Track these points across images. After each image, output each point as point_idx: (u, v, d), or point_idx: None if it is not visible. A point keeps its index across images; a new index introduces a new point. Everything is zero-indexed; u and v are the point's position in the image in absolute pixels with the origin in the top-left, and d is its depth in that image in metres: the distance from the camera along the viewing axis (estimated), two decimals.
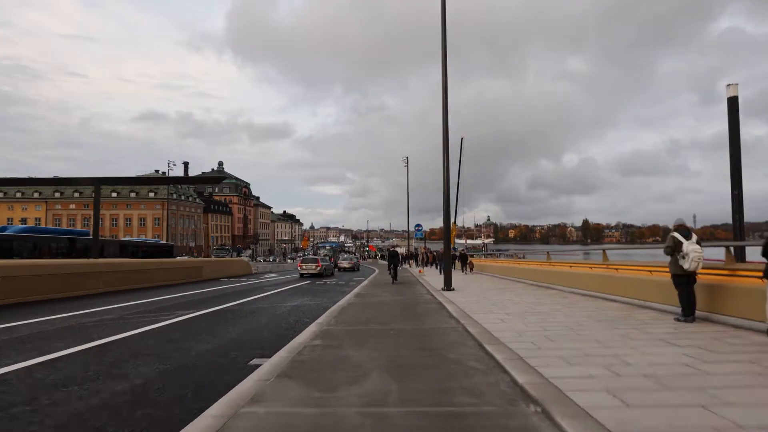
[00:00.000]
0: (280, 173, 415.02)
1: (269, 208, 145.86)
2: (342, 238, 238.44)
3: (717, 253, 7.73)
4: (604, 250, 10.16)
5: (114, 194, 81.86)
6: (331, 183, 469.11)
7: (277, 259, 63.33)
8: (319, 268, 25.24)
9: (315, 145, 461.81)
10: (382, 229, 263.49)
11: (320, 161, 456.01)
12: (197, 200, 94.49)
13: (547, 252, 14.81)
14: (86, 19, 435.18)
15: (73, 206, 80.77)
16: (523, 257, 27.05)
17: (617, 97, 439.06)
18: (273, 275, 26.68)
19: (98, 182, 19.29)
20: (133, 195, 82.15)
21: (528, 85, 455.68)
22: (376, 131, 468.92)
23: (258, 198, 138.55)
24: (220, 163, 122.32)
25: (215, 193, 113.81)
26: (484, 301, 9.51)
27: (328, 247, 47.46)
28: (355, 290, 14.58)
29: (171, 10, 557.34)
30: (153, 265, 16.65)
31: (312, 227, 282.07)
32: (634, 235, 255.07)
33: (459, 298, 10.18)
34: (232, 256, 51.66)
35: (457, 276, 19.97)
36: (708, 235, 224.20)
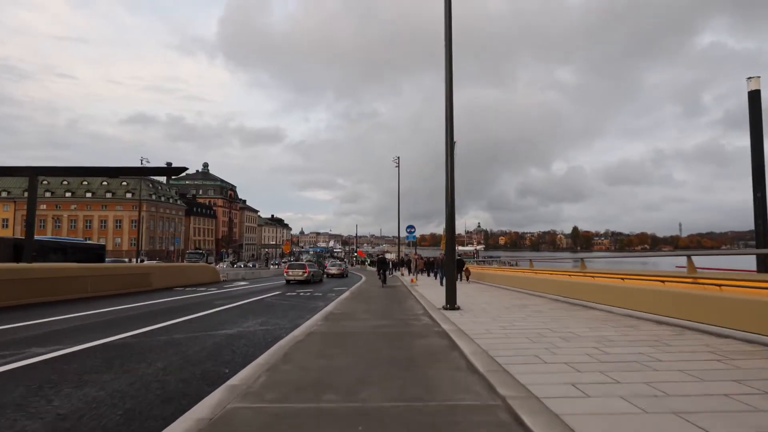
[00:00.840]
0: (271, 178, 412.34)
1: (256, 211, 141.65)
2: (332, 243, 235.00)
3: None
4: (689, 256, 7.00)
5: (89, 194, 77.45)
6: (321, 188, 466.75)
7: (257, 265, 59.28)
8: (306, 275, 23.69)
9: (306, 151, 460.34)
10: (372, 235, 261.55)
11: (311, 166, 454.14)
12: (178, 202, 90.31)
13: (581, 259, 11.69)
14: (77, 20, 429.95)
15: (44, 206, 75.94)
16: (516, 264, 24.10)
17: (605, 108, 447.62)
18: (243, 284, 23.24)
19: (33, 172, 15.80)
20: (108, 195, 77.77)
21: (518, 94, 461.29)
22: (367, 137, 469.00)
23: (245, 201, 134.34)
24: (205, 165, 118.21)
25: (199, 195, 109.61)
26: (514, 331, 6.31)
27: (312, 252, 43.43)
28: (330, 306, 11.35)
29: (163, 13, 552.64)
30: (73, 271, 13.14)
31: (302, 232, 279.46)
32: (623, 242, 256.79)
33: (472, 326, 6.97)
34: (208, 262, 47.83)
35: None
36: (695, 244, 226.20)
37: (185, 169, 18.03)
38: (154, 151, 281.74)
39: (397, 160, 49.92)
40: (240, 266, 49.80)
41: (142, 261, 41.18)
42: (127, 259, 46.11)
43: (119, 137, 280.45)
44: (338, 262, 37.89)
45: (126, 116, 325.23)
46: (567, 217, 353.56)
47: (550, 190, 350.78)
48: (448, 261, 9.65)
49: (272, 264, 56.71)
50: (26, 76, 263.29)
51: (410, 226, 19.35)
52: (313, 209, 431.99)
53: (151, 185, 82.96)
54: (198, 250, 56.78)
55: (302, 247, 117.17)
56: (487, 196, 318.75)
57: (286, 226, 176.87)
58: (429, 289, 16.55)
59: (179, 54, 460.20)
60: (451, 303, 9.17)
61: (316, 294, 16.71)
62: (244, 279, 27.94)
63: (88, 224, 77.09)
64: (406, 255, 51.24)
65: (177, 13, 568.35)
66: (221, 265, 53.82)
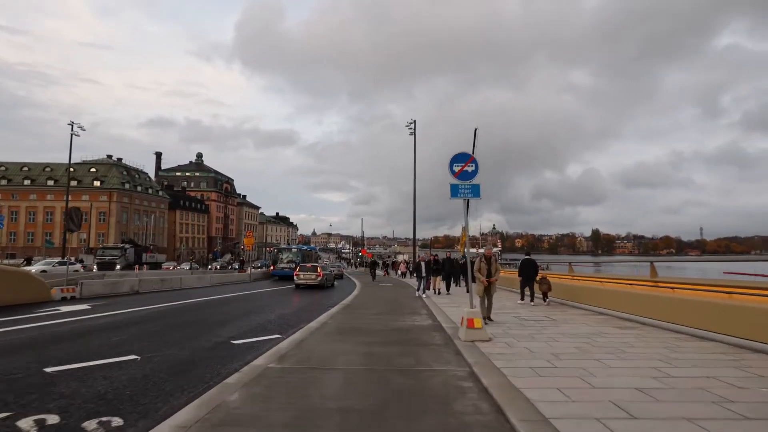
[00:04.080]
0: (285, 179, 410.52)
1: (257, 208, 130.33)
2: (342, 244, 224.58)
3: None
4: None
5: (50, 182, 66.47)
6: (334, 190, 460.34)
7: (213, 267, 45.23)
8: (320, 279, 19.85)
9: (320, 153, 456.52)
10: (384, 237, 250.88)
11: (324, 168, 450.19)
12: (160, 193, 78.94)
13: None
14: (102, 28, 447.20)
15: None
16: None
17: (621, 110, 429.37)
18: (84, 307, 10.76)
19: None
20: (74, 183, 66.55)
21: (532, 96, 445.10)
22: (380, 140, 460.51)
23: (244, 197, 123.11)
24: (199, 155, 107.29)
25: (190, 187, 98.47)
26: None
27: (294, 250, 31.10)
28: None
29: (183, 21, 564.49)
30: None
31: (314, 233, 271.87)
32: (647, 246, 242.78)
33: None
34: (147, 260, 35.33)
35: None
36: (724, 248, 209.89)
37: None
38: (172, 153, 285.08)
39: (412, 125, 37.20)
40: (197, 268, 37.35)
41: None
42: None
43: (139, 140, 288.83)
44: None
45: (146, 120, 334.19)
46: (583, 221, 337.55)
47: (565, 192, 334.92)
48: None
49: (253, 266, 43.91)
50: (53, 81, 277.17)
51: (462, 159, 6.46)
52: (326, 211, 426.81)
53: (125, 172, 71.77)
54: (116, 245, 38.17)
55: (287, 244, 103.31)
56: (501, 198, 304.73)
57: (291, 224, 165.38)
58: (454, 309, 3.32)
59: (198, 60, 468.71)
60: None
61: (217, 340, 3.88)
62: (137, 292, 15.59)
63: (48, 217, 66.07)
64: (421, 258, 39.12)
65: (196, 20, 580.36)
66: (183, 266, 41.50)
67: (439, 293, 12.91)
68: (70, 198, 66.26)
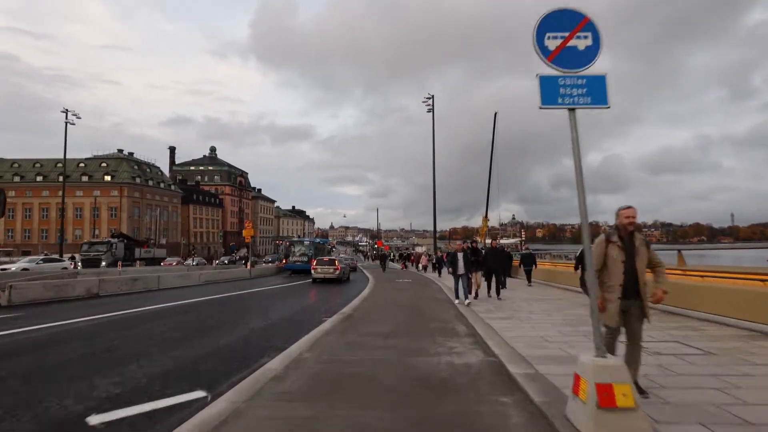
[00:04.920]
0: (301, 174, 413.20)
1: (273, 202, 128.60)
2: (359, 237, 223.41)
3: None
4: None
5: (61, 178, 65.29)
6: (351, 183, 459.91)
7: (215, 262, 42.69)
8: (338, 272, 19.27)
9: (335, 147, 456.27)
10: (402, 229, 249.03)
11: (340, 162, 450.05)
12: (172, 187, 77.38)
13: None
14: (120, 29, 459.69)
15: (13, 193, 64.57)
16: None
17: (642, 95, 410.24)
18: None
19: None
20: (85, 179, 65.45)
21: None
22: (395, 132, 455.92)
23: (259, 190, 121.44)
24: (212, 149, 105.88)
25: (204, 182, 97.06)
26: None
27: (307, 243, 29.92)
28: None
29: (198, 20, 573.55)
30: None
31: (331, 226, 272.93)
32: (676, 234, 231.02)
33: None
34: (143, 256, 32.61)
35: None
36: (759, 235, 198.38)
37: None
38: (190, 151, 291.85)
39: (430, 101, 33.52)
40: (191, 264, 34.57)
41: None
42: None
43: (159, 139, 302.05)
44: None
45: (166, 118, 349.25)
46: (605, 209, 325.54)
47: (586, 181, 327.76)
48: None
49: (265, 260, 41.12)
50: (77, 84, 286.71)
51: (564, 21, 2.97)
52: (343, 205, 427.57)
53: (136, 166, 70.25)
54: (104, 239, 34.34)
55: (298, 237, 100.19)
56: (519, 188, 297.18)
57: (308, 218, 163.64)
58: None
59: (214, 58, 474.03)
60: None
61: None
62: (96, 295, 12.61)
63: (61, 214, 64.95)
64: (447, 250, 36.05)
65: (211, 19, 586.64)
66: (189, 261, 39.02)
67: (477, 297, 9.52)
68: (82, 193, 65.53)
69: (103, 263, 27.37)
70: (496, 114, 51.70)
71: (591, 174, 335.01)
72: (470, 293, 8.81)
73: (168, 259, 38.51)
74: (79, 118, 35.08)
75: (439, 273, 20.91)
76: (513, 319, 7.06)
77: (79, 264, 26.89)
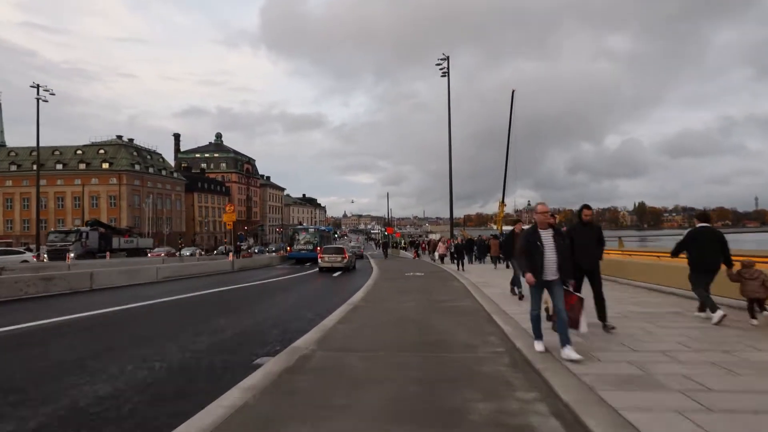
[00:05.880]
0: (313, 163, 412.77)
1: (282, 189, 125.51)
2: (372, 225, 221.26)
3: None
4: None
5: (59, 166, 62.81)
6: (363, 171, 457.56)
7: (214, 253, 39.30)
8: (345, 261, 18.79)
9: (347, 135, 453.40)
10: (415, 217, 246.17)
11: (352, 150, 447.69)
12: (175, 174, 74.41)
13: None
14: (134, 21, 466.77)
15: (9, 182, 62.43)
16: None
17: (663, 75, 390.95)
18: None
19: None
20: (82, 166, 62.72)
21: (565, 65, 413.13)
22: (407, 119, 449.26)
23: (268, 178, 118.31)
24: (218, 135, 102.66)
25: (210, 169, 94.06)
26: None
27: (312, 231, 28.44)
28: None
29: (209, 10, 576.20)
30: None
31: (345, 215, 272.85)
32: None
33: None
34: (123, 246, 28.81)
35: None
36: None
37: None
38: (204, 141, 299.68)
39: (444, 64, 29.05)
40: (186, 254, 31.31)
41: None
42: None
43: (174, 130, 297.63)
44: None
45: (180, 110, 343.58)
46: (622, 194, 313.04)
47: (603, 165, 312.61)
48: None
49: (272, 248, 37.28)
50: (93, 77, 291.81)
51: None
52: (356, 193, 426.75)
53: (135, 153, 67.27)
54: (70, 229, 29.82)
55: (300, 224, 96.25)
56: (534, 174, 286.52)
57: (318, 206, 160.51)
58: None
59: (226, 48, 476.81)
60: None
61: None
62: None
63: (60, 203, 62.71)
64: (460, 237, 32.38)
65: (221, 8, 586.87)
66: (184, 251, 35.61)
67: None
68: (80, 182, 62.89)
69: (71, 255, 24.00)
70: (513, 92, 46.94)
71: (608, 158, 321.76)
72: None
73: (156, 249, 35.15)
74: (53, 94, 31.54)
75: (460, 265, 16.67)
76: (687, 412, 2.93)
77: (45, 256, 23.60)
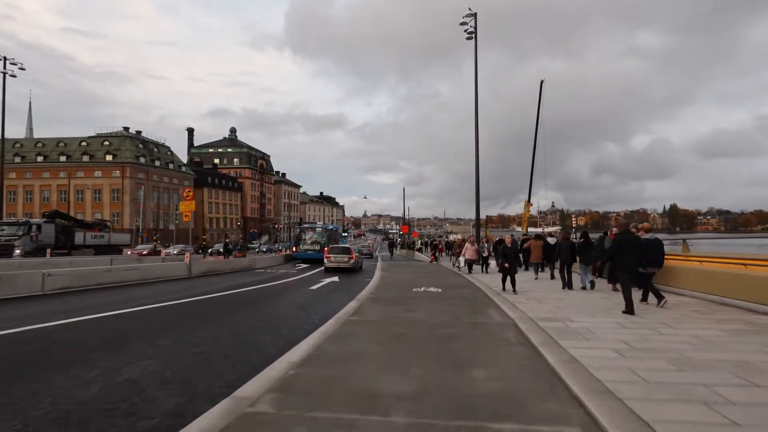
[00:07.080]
0: (335, 163, 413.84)
1: (298, 187, 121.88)
2: (391, 225, 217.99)
3: None
4: None
5: (63, 158, 60.37)
6: (385, 172, 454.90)
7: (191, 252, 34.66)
8: (352, 261, 18.18)
9: (369, 135, 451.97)
10: (435, 217, 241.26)
11: (374, 150, 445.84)
12: (183, 169, 71.27)
13: None
14: (165, 25, 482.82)
15: (13, 175, 60.32)
16: None
17: (695, 72, 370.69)
18: None
19: None
20: (86, 158, 60.06)
21: (590, 65, 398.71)
22: (429, 119, 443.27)
23: (283, 174, 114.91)
24: (233, 130, 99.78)
25: (222, 164, 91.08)
26: None
27: (319, 230, 26.71)
28: None
29: (236, 13, 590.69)
30: None
31: (365, 215, 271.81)
32: (736, 222, 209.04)
33: None
34: (90, 242, 24.49)
35: None
36: None
37: None
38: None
39: (471, 22, 23.72)
40: (173, 252, 26.95)
41: None
42: None
43: (200, 130, 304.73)
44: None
45: (207, 111, 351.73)
46: (650, 196, 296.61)
47: (630, 166, 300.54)
48: None
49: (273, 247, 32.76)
50: (127, 80, 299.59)
51: None
52: (377, 193, 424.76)
53: (141, 145, 64.30)
54: (19, 220, 25.81)
55: (312, 222, 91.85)
56: (557, 175, 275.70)
57: (336, 204, 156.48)
58: None
59: (251, 50, 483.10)
60: None
61: None
62: None
63: (62, 197, 60.18)
64: (482, 239, 26.78)
65: (247, 11, 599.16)
66: (171, 249, 31.41)
67: None
68: (83, 174, 60.29)
69: (17, 251, 19.99)
70: (542, 82, 41.09)
71: (636, 159, 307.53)
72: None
73: (138, 247, 31.12)
74: (23, 69, 27.80)
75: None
76: None
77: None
